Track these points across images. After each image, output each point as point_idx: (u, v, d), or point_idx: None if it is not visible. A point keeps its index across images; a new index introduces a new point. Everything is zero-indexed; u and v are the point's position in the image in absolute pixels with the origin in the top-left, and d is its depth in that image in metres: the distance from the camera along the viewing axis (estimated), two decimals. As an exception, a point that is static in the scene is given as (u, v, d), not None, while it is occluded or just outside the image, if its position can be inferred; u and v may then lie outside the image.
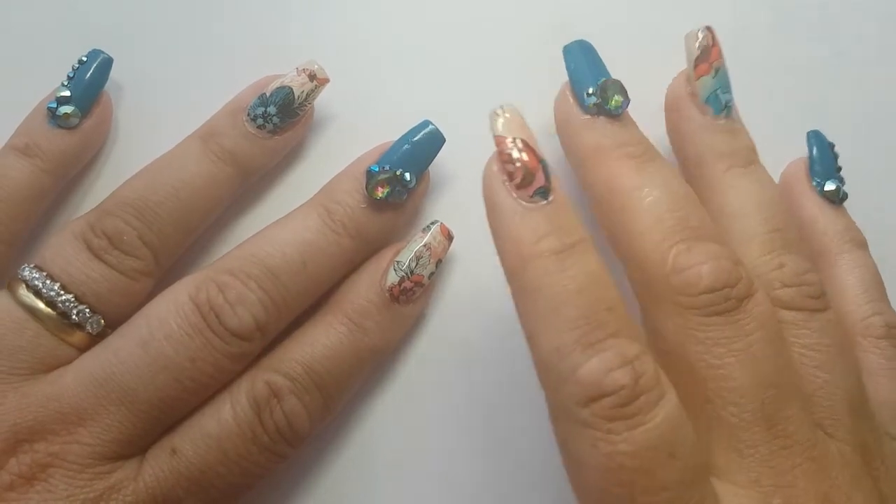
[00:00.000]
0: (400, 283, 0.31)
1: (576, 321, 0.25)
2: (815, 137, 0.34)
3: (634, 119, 0.31)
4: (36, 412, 0.28)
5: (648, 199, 0.28)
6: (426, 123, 0.32)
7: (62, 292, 0.29)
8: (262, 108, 0.32)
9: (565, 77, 0.32)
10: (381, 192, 0.31)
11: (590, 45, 0.31)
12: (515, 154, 0.26)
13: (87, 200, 0.34)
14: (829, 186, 0.33)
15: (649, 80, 0.33)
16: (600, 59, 0.31)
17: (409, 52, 0.36)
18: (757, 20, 0.37)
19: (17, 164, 0.31)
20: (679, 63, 0.32)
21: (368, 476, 0.33)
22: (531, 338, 0.26)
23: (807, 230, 0.33)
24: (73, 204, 0.34)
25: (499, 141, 0.26)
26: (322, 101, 0.34)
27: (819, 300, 0.29)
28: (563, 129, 0.31)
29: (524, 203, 0.26)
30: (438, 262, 0.32)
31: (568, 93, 0.31)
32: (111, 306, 0.30)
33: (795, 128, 0.34)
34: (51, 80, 0.32)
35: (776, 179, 0.34)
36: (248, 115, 0.32)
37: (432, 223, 0.33)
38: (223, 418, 0.29)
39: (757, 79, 0.34)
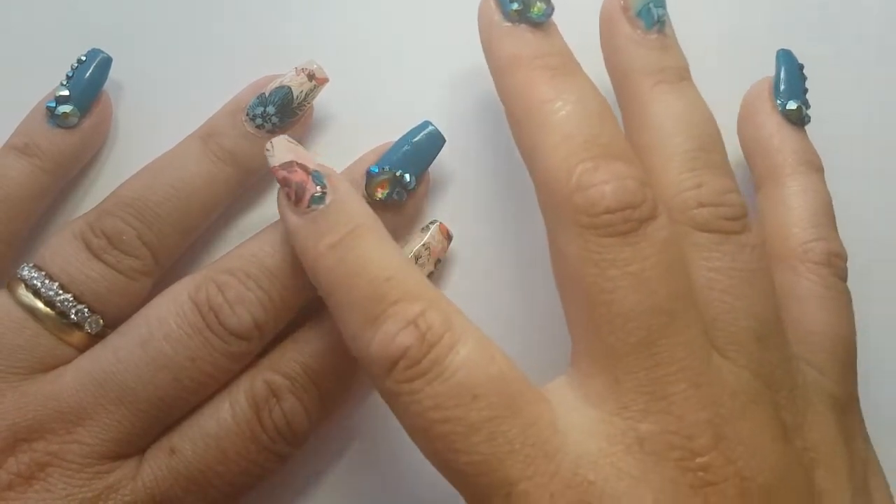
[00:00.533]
0: (399, 283, 0.31)
1: (359, 303, 0.26)
2: (785, 57, 0.33)
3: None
4: (35, 411, 0.28)
5: (560, 114, 0.27)
6: (426, 124, 0.32)
7: (61, 292, 0.29)
8: (262, 108, 0.32)
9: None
10: (380, 194, 0.31)
11: None
12: (285, 176, 0.28)
13: (86, 200, 0.34)
14: (791, 105, 0.32)
15: None
16: None
17: (409, 53, 0.36)
18: (757, 20, 0.37)
19: (16, 164, 0.31)
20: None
21: (368, 477, 0.33)
22: (338, 332, 0.27)
23: (761, 147, 0.32)
24: (73, 204, 0.34)
25: (273, 171, 0.28)
26: (322, 101, 0.34)
27: (736, 222, 0.27)
28: (483, 35, 0.30)
29: (305, 215, 0.27)
30: (437, 262, 0.32)
31: (490, 1, 0.30)
32: (110, 306, 0.30)
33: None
34: (50, 79, 0.32)
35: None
36: (248, 114, 0.32)
37: (431, 223, 0.33)
38: (222, 418, 0.29)
39: (757, 79, 0.34)
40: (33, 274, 0.30)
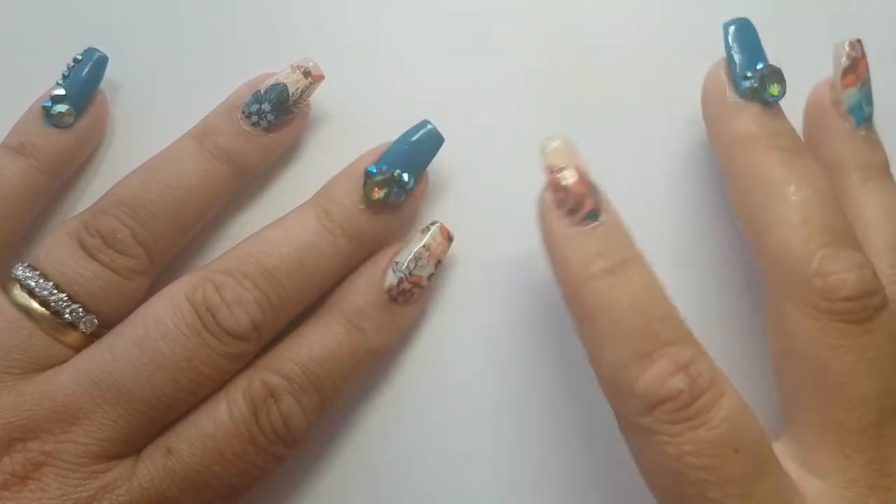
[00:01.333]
0: (399, 284, 0.31)
1: (629, 335, 0.27)
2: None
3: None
4: (30, 411, 0.28)
5: (797, 196, 0.28)
6: (425, 123, 0.32)
7: (55, 291, 0.29)
8: (257, 105, 0.32)
9: (573, 77, 0.32)
10: (377, 194, 0.31)
11: (752, 25, 0.31)
12: (564, 182, 0.28)
13: (83, 200, 0.34)
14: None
15: (647, 79, 0.33)
16: (759, 42, 0.31)
17: (409, 52, 0.36)
18: (757, 20, 0.37)
19: (12, 164, 0.31)
20: (679, 60, 0.32)
21: (367, 479, 0.33)
22: (592, 356, 0.28)
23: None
24: (69, 204, 0.34)
25: (548, 170, 0.28)
26: (320, 100, 0.34)
27: None
28: (711, 108, 0.31)
29: (575, 228, 0.28)
30: (438, 264, 0.32)
31: (723, 72, 0.31)
32: (105, 305, 0.30)
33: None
34: (46, 79, 0.32)
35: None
36: (243, 112, 0.32)
37: (432, 224, 0.32)
38: (219, 418, 0.29)
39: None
40: (28, 273, 0.30)
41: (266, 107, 0.32)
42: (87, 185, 0.34)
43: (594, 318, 0.27)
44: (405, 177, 0.32)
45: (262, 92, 0.32)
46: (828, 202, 0.28)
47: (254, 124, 0.32)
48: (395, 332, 0.32)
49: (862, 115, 0.31)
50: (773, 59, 0.32)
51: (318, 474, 0.33)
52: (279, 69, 0.32)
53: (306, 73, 0.32)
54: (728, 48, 0.31)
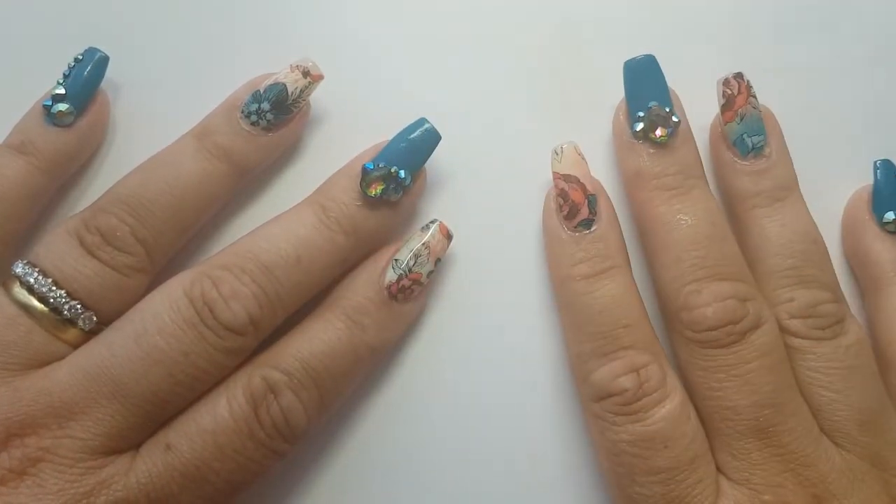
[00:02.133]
0: (398, 281, 0.31)
1: (594, 335, 0.30)
2: (883, 167, 0.35)
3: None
4: (27, 406, 0.28)
5: (672, 235, 0.31)
6: (422, 121, 0.32)
7: (54, 288, 0.29)
8: (256, 105, 0.32)
9: (572, 77, 0.32)
10: (374, 190, 0.31)
11: (653, 62, 0.32)
12: (565, 189, 0.32)
13: (83, 200, 0.34)
14: (889, 217, 0.34)
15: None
16: (660, 79, 0.32)
17: (407, 51, 0.36)
18: (757, 20, 0.37)
19: (13, 163, 0.31)
20: (679, 61, 0.33)
21: (367, 476, 0.33)
22: (566, 342, 0.32)
23: (861, 259, 0.34)
24: (70, 204, 0.34)
25: (555, 176, 0.32)
26: (319, 100, 0.34)
27: (827, 330, 0.31)
28: (615, 145, 0.34)
29: (568, 231, 0.31)
30: (437, 261, 0.32)
31: (621, 112, 0.33)
32: (104, 303, 0.30)
33: (795, 128, 0.34)
34: (47, 79, 0.33)
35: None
36: (242, 111, 0.32)
37: (431, 222, 0.32)
38: (219, 413, 0.29)
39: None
40: (27, 270, 0.30)
41: (265, 106, 0.32)
42: (88, 186, 0.34)
43: (569, 312, 0.32)
44: (402, 174, 0.32)
45: (262, 91, 0.32)
46: (702, 238, 0.31)
47: (253, 124, 0.32)
48: (395, 329, 0.32)
49: (745, 147, 0.33)
50: (774, 60, 0.32)
51: (316, 470, 0.33)
52: (279, 70, 0.33)
53: (305, 73, 0.32)
54: (625, 88, 0.33)
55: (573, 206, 0.31)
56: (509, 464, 0.33)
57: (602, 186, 0.32)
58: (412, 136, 0.32)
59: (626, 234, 0.33)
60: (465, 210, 0.34)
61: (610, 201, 0.32)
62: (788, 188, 0.33)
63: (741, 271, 0.31)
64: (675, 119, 0.32)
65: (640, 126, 0.32)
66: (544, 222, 0.32)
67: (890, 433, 0.31)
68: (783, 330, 0.31)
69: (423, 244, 0.32)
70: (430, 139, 0.32)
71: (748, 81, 0.33)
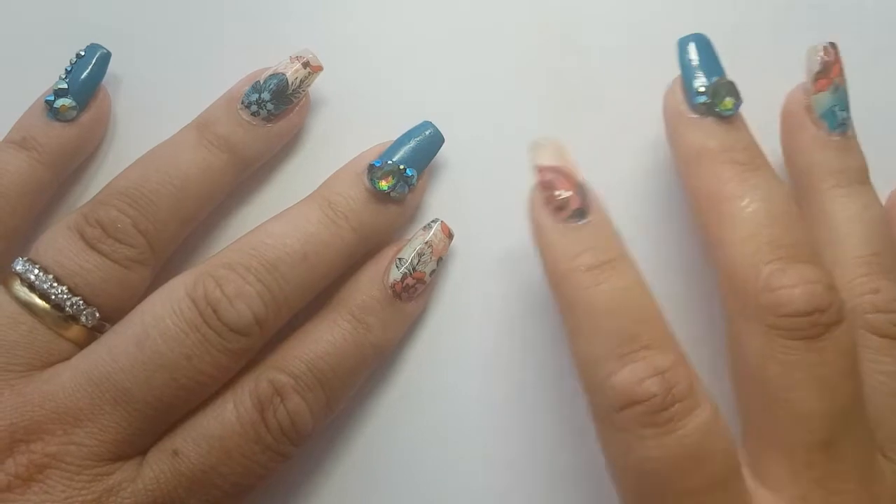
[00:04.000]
0: (402, 280, 0.31)
1: (608, 334, 0.27)
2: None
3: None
4: (32, 412, 0.28)
5: (748, 210, 0.28)
6: (427, 124, 0.33)
7: (55, 284, 0.29)
8: (256, 95, 0.32)
9: (572, 77, 0.32)
10: (385, 184, 0.31)
11: (706, 39, 0.31)
12: (552, 180, 0.28)
13: (85, 197, 0.33)
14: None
15: (644, 84, 0.32)
16: (716, 56, 0.30)
17: (409, 48, 0.36)
18: (757, 20, 0.37)
19: (15, 159, 0.31)
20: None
21: (371, 476, 0.33)
22: (570, 346, 0.28)
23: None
24: (73, 201, 0.34)
25: (538, 170, 0.29)
26: (322, 95, 0.34)
27: None
28: (669, 125, 0.31)
29: (561, 224, 0.28)
30: (440, 261, 0.32)
31: (678, 88, 0.30)
32: (106, 297, 0.30)
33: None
34: (50, 75, 0.32)
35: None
36: (243, 102, 0.32)
37: (433, 221, 0.33)
38: (226, 418, 0.28)
39: (757, 79, 0.33)
40: (27, 267, 0.29)
41: (265, 96, 0.32)
42: (90, 182, 0.34)
43: (573, 311, 0.28)
44: (409, 171, 0.32)
45: (262, 82, 0.32)
46: (779, 216, 0.28)
47: (253, 114, 0.32)
48: (400, 328, 0.32)
49: (835, 120, 0.31)
50: (770, 62, 0.32)
51: (320, 471, 0.33)
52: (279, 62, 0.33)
53: (305, 64, 0.32)
54: (682, 64, 0.30)
55: (562, 196, 0.28)
56: (513, 463, 0.33)
57: (591, 186, 0.30)
58: (417, 137, 0.32)
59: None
60: (466, 210, 0.34)
61: (596, 191, 0.30)
62: (866, 172, 0.31)
63: (820, 257, 0.28)
64: (739, 93, 0.30)
65: (703, 99, 0.29)
66: (532, 219, 0.29)
67: None
68: (861, 325, 0.29)
69: (426, 243, 0.32)
70: (434, 142, 0.33)
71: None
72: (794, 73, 0.36)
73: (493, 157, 0.35)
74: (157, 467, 0.28)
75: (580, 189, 0.28)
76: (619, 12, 0.36)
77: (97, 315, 0.30)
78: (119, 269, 0.30)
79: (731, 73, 0.32)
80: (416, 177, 0.32)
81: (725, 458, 0.26)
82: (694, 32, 0.31)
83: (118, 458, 0.28)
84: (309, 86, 0.33)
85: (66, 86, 0.32)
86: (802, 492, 0.27)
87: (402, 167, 0.32)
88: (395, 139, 0.33)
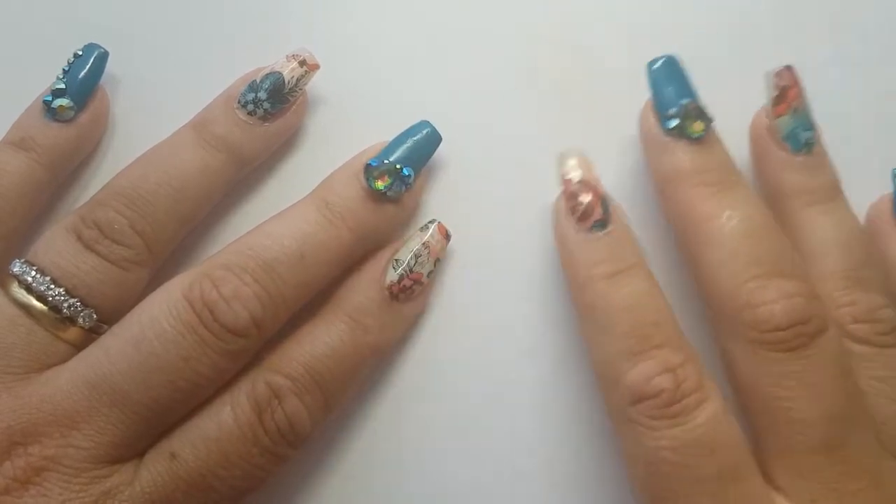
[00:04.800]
0: (399, 281, 0.31)
1: (623, 335, 0.28)
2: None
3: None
4: (30, 414, 0.28)
5: (725, 230, 0.29)
6: (424, 124, 0.33)
7: (53, 286, 0.29)
8: (253, 94, 0.32)
9: (571, 77, 0.32)
10: (381, 184, 0.31)
11: (676, 61, 0.31)
12: (576, 191, 0.30)
13: (84, 198, 0.33)
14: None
15: (644, 84, 0.32)
16: (685, 78, 0.31)
17: (407, 48, 0.36)
18: (757, 20, 0.37)
19: (13, 159, 0.31)
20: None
21: (370, 477, 0.33)
22: (588, 349, 0.30)
23: (892, 267, 0.33)
24: (71, 201, 0.34)
25: (565, 180, 0.30)
26: (319, 95, 0.34)
27: (889, 336, 0.30)
28: (645, 148, 0.32)
29: (583, 234, 0.29)
30: (437, 262, 0.32)
31: (650, 112, 0.31)
32: (104, 298, 0.30)
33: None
34: (48, 76, 0.32)
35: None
36: (239, 101, 0.32)
37: (430, 222, 0.33)
38: (223, 420, 0.28)
39: (757, 79, 0.33)
40: (25, 269, 0.29)
41: (262, 95, 0.32)
42: (88, 184, 0.34)
43: (592, 315, 0.29)
44: (406, 171, 0.32)
45: (258, 81, 0.32)
46: (756, 231, 0.29)
47: (250, 113, 0.32)
48: (397, 330, 0.32)
49: (798, 141, 0.31)
50: (771, 62, 0.32)
51: (318, 472, 0.33)
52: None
53: (302, 63, 0.32)
54: (652, 88, 0.31)
55: (586, 207, 0.30)
56: (513, 464, 0.33)
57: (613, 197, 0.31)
58: (414, 137, 0.32)
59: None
60: (464, 210, 0.34)
61: (623, 213, 0.31)
62: (838, 187, 0.31)
63: (801, 269, 0.29)
64: (709, 115, 0.30)
65: (673, 123, 0.30)
66: (556, 227, 0.31)
67: None
68: (846, 335, 0.29)
69: (423, 244, 0.32)
70: (431, 141, 0.33)
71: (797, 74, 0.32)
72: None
73: (492, 158, 0.35)
74: (154, 470, 0.28)
75: (603, 201, 0.30)
76: (618, 12, 0.36)
77: (95, 316, 0.30)
78: (116, 270, 0.30)
79: (732, 71, 0.33)
80: (412, 176, 0.32)
81: (735, 450, 0.27)
82: (662, 55, 0.31)
83: (116, 460, 0.28)
84: (306, 84, 0.33)
85: (63, 86, 0.31)
86: (814, 496, 0.27)
87: (398, 166, 0.32)
88: (391, 139, 0.32)
